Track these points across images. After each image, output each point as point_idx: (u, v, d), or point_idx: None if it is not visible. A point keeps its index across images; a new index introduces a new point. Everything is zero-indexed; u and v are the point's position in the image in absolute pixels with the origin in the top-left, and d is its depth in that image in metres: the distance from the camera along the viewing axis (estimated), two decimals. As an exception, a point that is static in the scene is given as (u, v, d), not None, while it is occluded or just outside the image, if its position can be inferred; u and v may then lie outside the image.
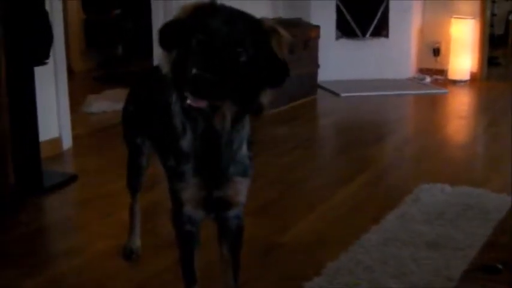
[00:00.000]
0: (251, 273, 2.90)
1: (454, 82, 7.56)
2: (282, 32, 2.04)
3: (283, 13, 7.22)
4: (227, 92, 1.92)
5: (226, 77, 1.88)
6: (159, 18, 5.86)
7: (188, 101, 1.90)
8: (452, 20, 7.59)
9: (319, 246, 3.29)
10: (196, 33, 1.93)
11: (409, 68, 7.76)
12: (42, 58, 4.03)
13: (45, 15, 4.00)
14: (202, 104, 1.90)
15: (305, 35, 6.64)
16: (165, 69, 2.07)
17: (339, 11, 7.38)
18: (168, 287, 2.84)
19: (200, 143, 2.15)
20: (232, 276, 2.44)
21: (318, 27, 6.90)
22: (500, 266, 1.90)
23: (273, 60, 2.01)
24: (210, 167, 2.19)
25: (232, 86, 1.92)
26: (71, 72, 6.06)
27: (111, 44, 8.57)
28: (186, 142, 2.18)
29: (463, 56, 7.58)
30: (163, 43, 2.05)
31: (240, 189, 2.28)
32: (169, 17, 5.71)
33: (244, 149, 2.24)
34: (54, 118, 4.79)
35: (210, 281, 2.57)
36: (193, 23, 1.96)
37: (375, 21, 7.48)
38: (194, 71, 1.85)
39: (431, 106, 6.76)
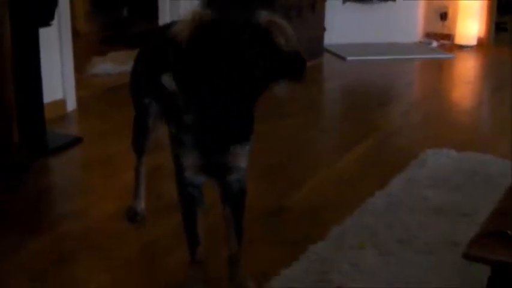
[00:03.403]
0: (255, 237, 2.90)
1: (461, 47, 7.49)
2: (280, 22, 2.01)
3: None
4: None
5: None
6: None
7: None
8: (461, -16, 7.52)
9: (324, 210, 3.29)
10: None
11: (416, 33, 7.70)
12: (47, 19, 4.00)
13: (50, -25, 3.96)
14: None
15: (312, -2, 6.57)
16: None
17: (346, -26, 7.31)
18: (173, 249, 2.84)
19: (206, 119, 2.15)
20: (235, 239, 2.45)
21: (324, -11, 6.83)
22: (510, 233, 1.89)
23: (286, 57, 1.99)
24: (211, 136, 2.19)
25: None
26: (75, 33, 6.01)
27: (116, 5, 8.49)
28: (189, 116, 2.18)
29: (471, 20, 7.50)
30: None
31: (240, 154, 2.28)
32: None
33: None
34: (58, 80, 4.76)
35: (215, 244, 2.57)
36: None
37: (383, -15, 7.41)
38: None
39: (438, 71, 6.72)
